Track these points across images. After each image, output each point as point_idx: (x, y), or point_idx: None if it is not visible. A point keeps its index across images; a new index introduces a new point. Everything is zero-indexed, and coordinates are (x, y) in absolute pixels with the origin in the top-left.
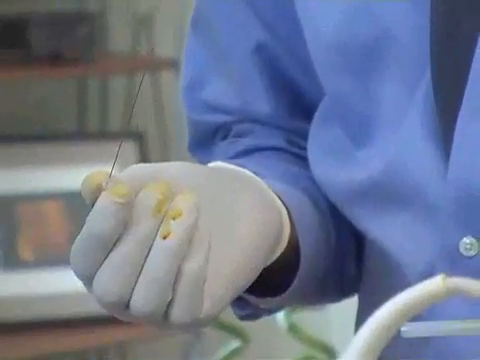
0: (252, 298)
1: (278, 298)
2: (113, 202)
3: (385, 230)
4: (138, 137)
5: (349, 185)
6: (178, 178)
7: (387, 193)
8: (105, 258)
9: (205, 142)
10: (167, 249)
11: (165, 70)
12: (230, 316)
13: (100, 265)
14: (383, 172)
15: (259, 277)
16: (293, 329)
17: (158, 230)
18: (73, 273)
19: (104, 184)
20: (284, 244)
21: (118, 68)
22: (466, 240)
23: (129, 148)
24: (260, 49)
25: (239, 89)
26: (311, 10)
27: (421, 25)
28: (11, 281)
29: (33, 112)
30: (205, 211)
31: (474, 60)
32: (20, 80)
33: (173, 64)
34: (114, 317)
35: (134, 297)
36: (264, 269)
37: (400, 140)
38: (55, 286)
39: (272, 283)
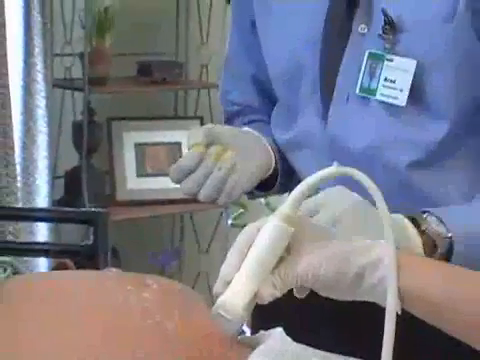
0: (257, 191)
1: (269, 191)
2: (195, 152)
3: (299, 162)
4: (200, 119)
5: (284, 140)
6: (228, 136)
7: (299, 143)
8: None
9: (231, 120)
10: (219, 174)
11: (213, 88)
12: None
13: (184, 179)
14: (297, 134)
15: (261, 183)
16: (268, 205)
17: (215, 166)
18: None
19: (193, 144)
20: (272, 168)
21: (192, 87)
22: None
23: (196, 124)
24: (254, 78)
25: (245, 96)
26: (266, 52)
27: (316, 59)
28: (140, 182)
29: (153, 107)
30: (239, 151)
31: (340, 72)
32: (147, 92)
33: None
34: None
35: (199, 194)
36: (265, 181)
37: (306, 117)
38: (160, 184)
39: (268, 185)
